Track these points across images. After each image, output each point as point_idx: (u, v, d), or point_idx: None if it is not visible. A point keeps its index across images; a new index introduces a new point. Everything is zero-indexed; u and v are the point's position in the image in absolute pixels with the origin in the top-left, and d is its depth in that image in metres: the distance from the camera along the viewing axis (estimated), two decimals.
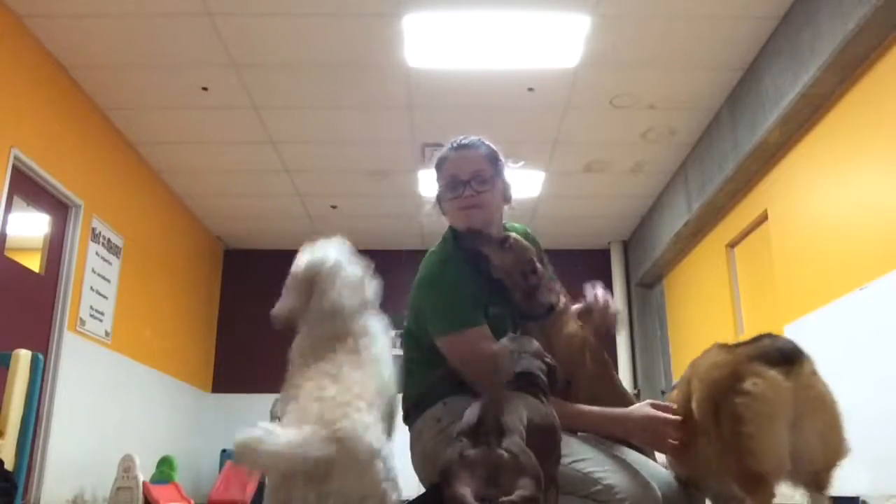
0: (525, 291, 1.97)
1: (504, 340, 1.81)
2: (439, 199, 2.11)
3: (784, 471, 1.49)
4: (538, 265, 2.00)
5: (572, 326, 2.01)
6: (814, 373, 1.61)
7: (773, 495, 1.50)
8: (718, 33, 4.67)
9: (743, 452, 1.50)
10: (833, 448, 1.54)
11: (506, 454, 1.37)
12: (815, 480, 1.55)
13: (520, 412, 1.50)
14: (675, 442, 1.77)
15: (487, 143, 2.11)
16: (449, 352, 1.91)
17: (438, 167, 2.10)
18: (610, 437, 1.92)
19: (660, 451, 1.88)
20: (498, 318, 1.96)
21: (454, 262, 2.00)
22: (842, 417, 1.56)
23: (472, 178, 2.01)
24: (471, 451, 1.39)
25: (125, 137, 5.93)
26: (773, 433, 1.49)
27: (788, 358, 1.56)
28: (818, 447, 1.52)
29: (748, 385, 1.53)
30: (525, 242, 2.04)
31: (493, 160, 2.07)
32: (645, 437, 1.87)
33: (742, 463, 1.50)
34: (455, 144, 2.09)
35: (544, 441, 1.52)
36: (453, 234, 2.07)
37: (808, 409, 1.52)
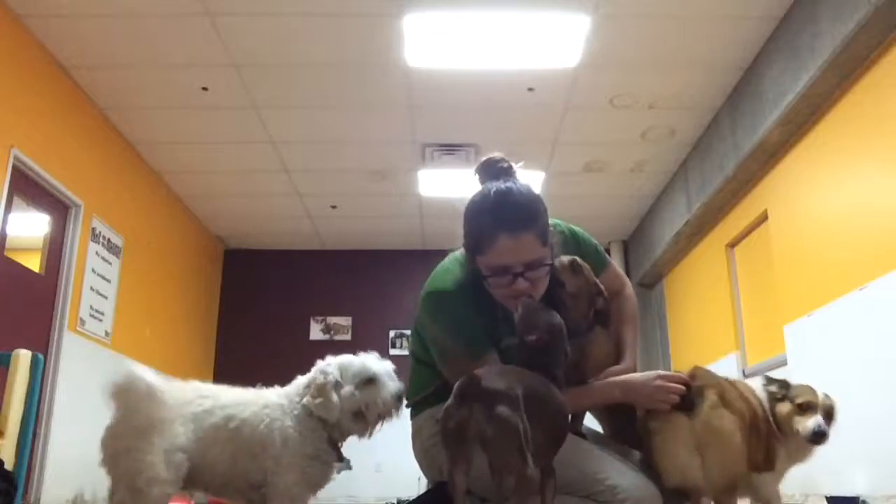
0: (582, 312, 1.86)
1: (528, 301, 1.67)
2: (475, 260, 1.76)
3: (692, 482, 1.75)
4: (601, 287, 1.89)
5: (604, 338, 1.98)
6: (715, 406, 1.79)
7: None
8: (718, 33, 4.67)
9: (658, 472, 1.80)
10: (723, 474, 1.77)
11: (491, 420, 1.37)
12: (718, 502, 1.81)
13: (521, 381, 1.48)
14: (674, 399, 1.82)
15: (535, 205, 1.74)
16: (448, 374, 1.83)
17: (479, 246, 1.71)
18: (613, 401, 1.88)
19: (656, 404, 1.84)
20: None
21: (467, 289, 1.80)
22: (734, 447, 1.78)
23: (525, 270, 1.69)
24: (456, 412, 1.39)
25: (125, 137, 5.93)
26: (672, 458, 1.76)
27: (689, 402, 1.80)
28: (714, 473, 1.76)
29: (651, 425, 1.81)
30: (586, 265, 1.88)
31: (545, 229, 1.74)
32: (646, 391, 1.81)
33: (660, 480, 1.80)
34: (502, 218, 1.68)
35: (546, 423, 1.50)
36: (472, 261, 1.81)
37: (705, 441, 1.76)
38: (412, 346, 2.03)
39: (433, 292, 1.84)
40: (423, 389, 1.97)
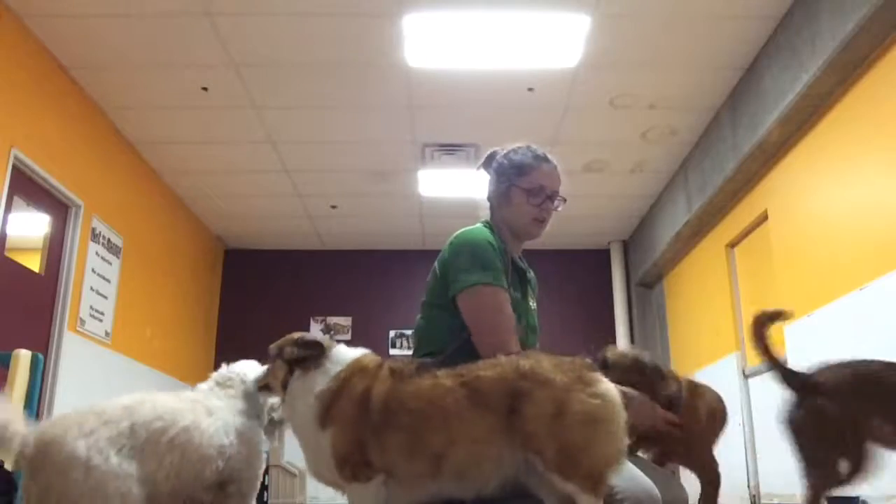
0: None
1: None
2: (509, 194, 2.17)
3: None
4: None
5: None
6: None
7: None
8: (718, 33, 4.67)
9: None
10: None
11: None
12: None
13: None
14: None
15: None
16: (474, 302, 1.95)
17: (523, 170, 2.18)
18: None
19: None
20: (515, 301, 2.05)
21: (492, 239, 2.09)
22: None
23: (554, 195, 2.21)
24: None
25: (125, 137, 5.93)
26: None
27: None
28: None
29: None
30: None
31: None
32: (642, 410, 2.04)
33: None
34: (541, 154, 2.22)
35: None
36: (493, 229, 2.15)
37: None
38: (428, 295, 2.09)
39: (464, 238, 2.06)
40: (441, 335, 2.00)
